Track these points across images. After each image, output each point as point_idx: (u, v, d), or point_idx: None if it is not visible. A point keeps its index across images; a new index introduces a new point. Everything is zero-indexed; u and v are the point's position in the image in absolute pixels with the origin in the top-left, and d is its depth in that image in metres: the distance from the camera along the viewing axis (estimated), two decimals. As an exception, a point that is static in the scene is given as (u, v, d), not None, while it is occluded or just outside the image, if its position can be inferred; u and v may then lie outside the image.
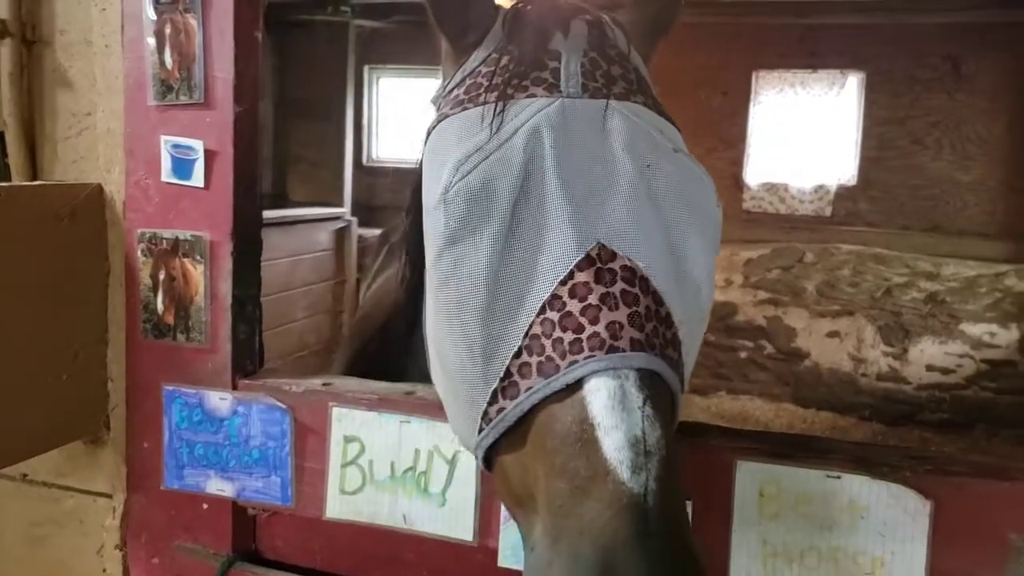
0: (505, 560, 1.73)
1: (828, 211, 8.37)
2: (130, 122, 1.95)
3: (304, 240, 7.75)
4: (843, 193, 8.30)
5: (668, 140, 1.35)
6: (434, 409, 1.75)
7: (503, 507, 1.68)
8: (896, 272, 7.80)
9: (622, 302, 1.17)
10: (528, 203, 1.25)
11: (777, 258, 8.18)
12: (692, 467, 1.65)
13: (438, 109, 1.50)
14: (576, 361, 1.14)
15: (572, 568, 1.00)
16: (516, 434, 1.21)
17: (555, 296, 1.19)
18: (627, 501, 1.01)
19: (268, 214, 7.32)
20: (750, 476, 1.62)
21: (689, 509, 1.64)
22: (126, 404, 2.03)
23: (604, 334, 1.14)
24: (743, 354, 8.25)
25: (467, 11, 1.49)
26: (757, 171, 8.56)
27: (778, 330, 8.11)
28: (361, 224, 8.69)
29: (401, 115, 9.92)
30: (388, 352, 2.28)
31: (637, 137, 1.31)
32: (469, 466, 1.74)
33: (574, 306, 1.17)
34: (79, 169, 2.06)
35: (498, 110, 1.32)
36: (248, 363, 1.97)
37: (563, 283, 1.19)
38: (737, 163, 8.52)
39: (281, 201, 9.69)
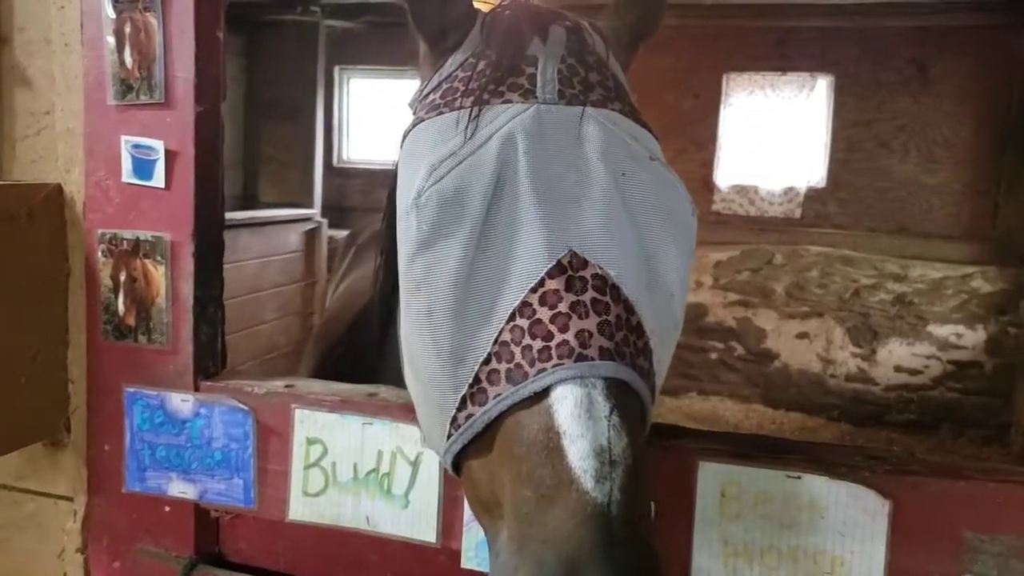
0: (468, 561, 1.72)
1: (797, 213, 8.41)
2: (90, 122, 1.93)
3: (274, 241, 7.71)
4: (812, 195, 8.35)
5: (644, 148, 1.35)
6: (397, 411, 1.75)
7: (466, 508, 1.68)
8: (864, 274, 7.87)
9: (592, 310, 1.17)
10: (500, 209, 1.25)
11: (747, 260, 8.22)
12: (654, 468, 1.66)
13: (415, 113, 1.50)
14: (544, 369, 1.14)
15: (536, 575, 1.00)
16: (484, 440, 1.21)
17: (525, 303, 1.19)
18: (591, 511, 1.02)
19: (237, 215, 7.29)
20: (712, 477, 1.63)
21: (651, 509, 1.65)
22: (87, 406, 2.01)
23: (573, 342, 1.14)
24: (713, 355, 8.29)
25: (446, 14, 1.48)
26: (727, 173, 8.60)
27: (748, 331, 8.16)
28: (331, 225, 8.65)
29: (371, 116, 9.90)
30: (357, 354, 2.28)
31: (612, 145, 1.31)
32: (432, 468, 1.73)
33: (544, 313, 1.17)
34: (38, 169, 2.04)
35: (473, 115, 1.32)
36: (210, 365, 1.96)
37: (533, 290, 1.19)
38: (707, 165, 8.55)
39: (252, 202, 9.65)
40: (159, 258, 1.90)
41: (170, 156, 1.87)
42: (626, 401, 1.16)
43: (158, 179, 1.88)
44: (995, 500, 1.53)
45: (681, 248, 1.32)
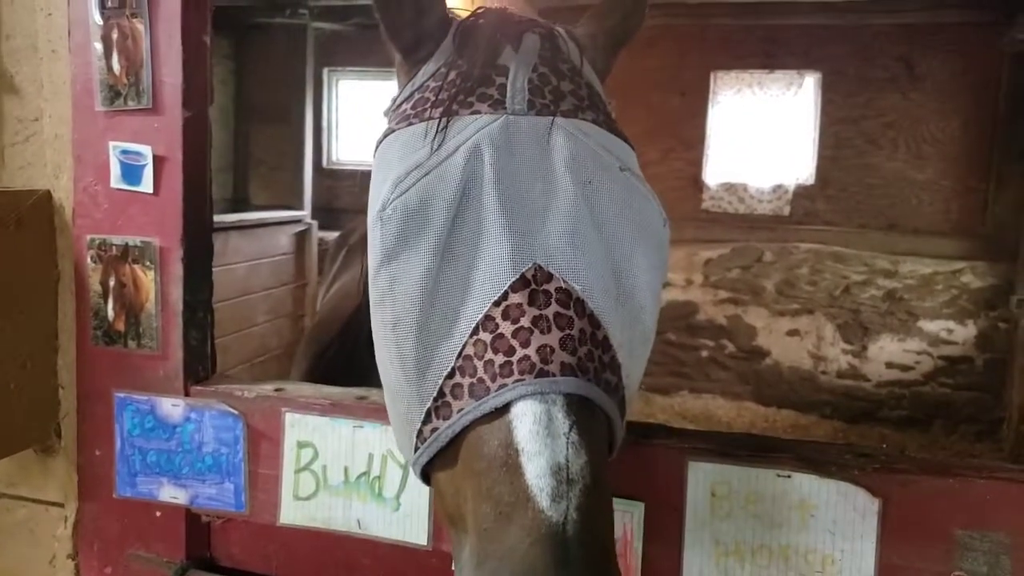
0: (460, 564, 1.73)
1: (787, 210, 8.42)
2: (78, 128, 1.93)
3: (264, 244, 7.70)
4: (801, 192, 8.36)
5: (615, 158, 1.32)
6: (387, 414, 1.75)
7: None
8: (854, 270, 7.90)
9: (555, 325, 1.15)
10: (465, 222, 1.23)
11: (737, 257, 8.24)
12: (644, 468, 1.67)
13: (388, 123, 1.48)
14: (505, 384, 1.12)
15: None
16: (449, 454, 1.20)
17: (488, 317, 1.17)
18: (545, 531, 1.01)
19: (228, 218, 7.27)
20: (701, 476, 1.63)
21: (641, 510, 1.65)
22: (77, 412, 2.01)
23: (535, 357, 1.13)
24: (704, 353, 8.31)
25: (419, 24, 1.46)
26: (716, 171, 8.60)
27: (739, 329, 8.18)
28: (322, 227, 8.64)
29: (360, 117, 9.88)
30: (349, 356, 2.27)
31: (581, 155, 1.29)
32: (423, 470, 1.74)
33: (507, 328, 1.16)
34: (26, 175, 2.04)
35: (441, 126, 1.30)
36: (200, 369, 1.96)
37: (497, 304, 1.17)
38: (696, 164, 8.55)
39: (242, 205, 9.62)
40: (148, 263, 1.90)
41: (158, 161, 1.87)
42: (588, 417, 1.14)
43: (146, 184, 1.88)
44: (985, 497, 1.53)
45: (651, 259, 1.30)
